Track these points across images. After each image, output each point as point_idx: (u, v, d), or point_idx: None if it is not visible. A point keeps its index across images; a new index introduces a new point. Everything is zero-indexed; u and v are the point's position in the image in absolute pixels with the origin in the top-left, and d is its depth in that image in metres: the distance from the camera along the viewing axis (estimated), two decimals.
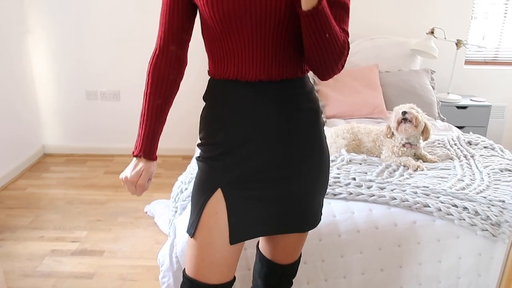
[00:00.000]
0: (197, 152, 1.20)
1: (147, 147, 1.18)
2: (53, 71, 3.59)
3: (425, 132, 2.18)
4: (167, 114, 1.21)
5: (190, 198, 1.59)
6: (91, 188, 3.17)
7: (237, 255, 1.22)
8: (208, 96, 1.20)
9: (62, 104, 3.67)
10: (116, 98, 3.67)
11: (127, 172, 1.19)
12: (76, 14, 3.45)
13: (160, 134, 1.20)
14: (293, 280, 1.66)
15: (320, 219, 1.31)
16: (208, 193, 1.15)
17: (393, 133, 2.20)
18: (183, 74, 1.22)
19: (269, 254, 1.37)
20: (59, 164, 3.60)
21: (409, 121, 2.12)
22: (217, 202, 1.14)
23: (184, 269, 1.24)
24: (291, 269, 1.39)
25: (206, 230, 1.15)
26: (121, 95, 3.67)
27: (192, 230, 1.18)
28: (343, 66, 1.13)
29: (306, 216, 1.24)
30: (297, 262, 1.40)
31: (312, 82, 3.00)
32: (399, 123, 2.14)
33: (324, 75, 1.13)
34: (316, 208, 1.27)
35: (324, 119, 2.93)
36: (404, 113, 2.12)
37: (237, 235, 1.16)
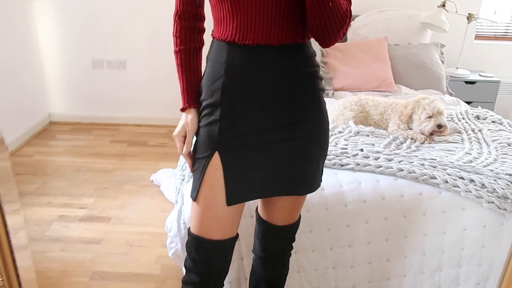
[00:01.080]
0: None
1: (190, 98, 1.23)
2: (59, 39, 3.56)
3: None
4: (200, 66, 1.26)
5: None
6: (97, 156, 3.19)
7: (239, 212, 1.26)
8: (209, 57, 1.22)
9: (68, 73, 3.66)
10: (122, 67, 3.65)
11: (175, 130, 1.24)
12: None
13: (198, 85, 1.24)
14: (298, 248, 1.69)
15: (319, 185, 1.33)
16: (207, 155, 1.17)
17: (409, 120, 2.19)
18: (204, 28, 1.26)
19: (265, 215, 1.39)
20: (65, 132, 3.61)
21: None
22: (216, 162, 1.17)
23: (189, 228, 1.28)
24: (287, 231, 1.40)
25: (208, 187, 1.18)
26: (127, 64, 3.64)
27: (195, 193, 1.21)
28: (344, 34, 1.14)
29: (303, 179, 1.26)
30: (294, 225, 1.41)
31: (321, 54, 2.98)
32: (431, 132, 2.10)
33: (326, 42, 1.14)
34: (314, 172, 1.28)
35: (332, 92, 2.91)
36: (439, 126, 2.09)
37: (233, 197, 1.19)
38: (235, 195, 1.19)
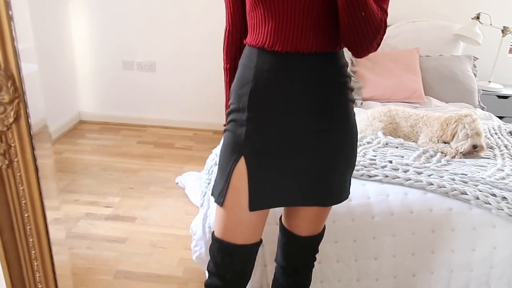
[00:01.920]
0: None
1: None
2: (91, 40, 3.64)
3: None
4: None
5: None
6: (124, 157, 3.24)
7: (263, 218, 1.26)
8: (240, 62, 1.22)
9: (99, 73, 3.73)
10: (152, 70, 3.70)
11: None
12: None
13: None
14: (323, 258, 1.68)
15: (347, 197, 1.30)
16: (234, 160, 1.17)
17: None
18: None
19: (288, 225, 1.37)
20: (94, 131, 3.68)
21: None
22: (242, 167, 1.17)
23: (213, 232, 1.28)
24: (310, 242, 1.38)
25: (234, 191, 1.18)
26: (157, 66, 3.69)
27: (221, 198, 1.21)
28: (378, 45, 1.11)
29: (328, 190, 1.24)
30: (318, 237, 1.38)
31: (350, 63, 2.97)
32: (467, 151, 2.06)
33: (359, 53, 1.12)
34: (341, 184, 1.26)
35: (361, 101, 2.89)
36: (475, 146, 2.05)
37: (256, 203, 1.19)
38: (258, 201, 1.19)
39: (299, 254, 1.42)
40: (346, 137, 1.22)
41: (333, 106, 1.17)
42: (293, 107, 1.14)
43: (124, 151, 3.34)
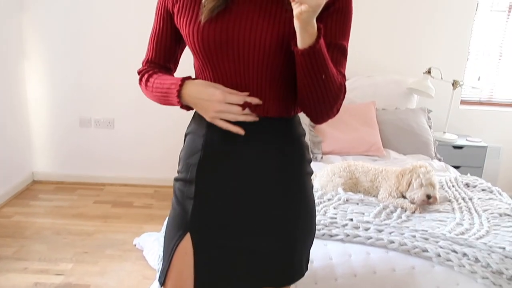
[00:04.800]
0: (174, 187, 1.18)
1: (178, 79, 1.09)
2: (47, 97, 3.55)
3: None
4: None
5: None
6: (79, 218, 3.09)
7: None
8: (188, 130, 1.16)
9: (55, 131, 3.62)
10: (110, 126, 3.62)
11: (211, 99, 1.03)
12: (72, 41, 3.44)
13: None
14: None
15: (303, 274, 1.21)
16: (178, 236, 1.09)
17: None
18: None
19: None
20: (48, 191, 3.52)
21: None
22: (187, 245, 1.08)
23: None
24: None
25: (177, 272, 1.09)
26: (116, 123, 3.63)
27: (163, 277, 1.12)
28: (338, 110, 1.07)
29: (285, 270, 1.15)
30: None
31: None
32: (421, 201, 2.07)
33: (318, 119, 1.08)
34: (298, 262, 1.17)
35: (321, 155, 2.90)
36: (428, 197, 2.07)
37: (203, 286, 1.09)
38: (206, 283, 1.09)
39: None
40: (303, 213, 1.14)
41: (289, 181, 1.10)
42: (245, 181, 1.07)
43: (80, 212, 3.19)
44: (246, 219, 1.08)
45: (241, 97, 1.01)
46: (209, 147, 1.08)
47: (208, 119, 1.04)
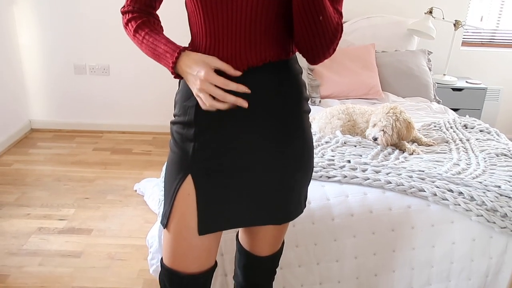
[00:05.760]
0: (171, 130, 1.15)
1: (177, 45, 1.05)
2: (39, 44, 3.47)
3: (406, 135, 2.11)
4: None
5: None
6: (79, 165, 3.11)
7: (217, 241, 1.17)
8: None
9: (49, 79, 3.57)
10: (106, 73, 3.57)
11: (198, 75, 1.01)
12: None
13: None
14: (284, 264, 1.64)
15: (302, 211, 1.23)
16: (179, 179, 1.08)
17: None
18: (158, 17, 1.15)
19: (247, 245, 1.30)
20: (47, 140, 3.52)
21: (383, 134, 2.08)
22: (189, 187, 1.08)
23: (161, 258, 1.18)
24: (271, 261, 1.32)
25: (180, 215, 1.10)
26: (111, 69, 3.57)
27: (165, 220, 1.12)
28: (334, 50, 1.04)
29: (285, 207, 1.17)
30: (278, 253, 1.33)
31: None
32: (375, 140, 2.09)
33: (315, 59, 1.05)
34: (297, 199, 1.19)
35: (319, 99, 2.87)
36: (375, 139, 2.07)
37: (206, 226, 1.10)
38: (209, 223, 1.10)
39: (260, 273, 1.36)
40: (302, 152, 1.14)
41: (288, 118, 1.10)
42: (244, 122, 1.06)
43: (79, 159, 3.20)
44: (246, 158, 1.08)
45: (225, 81, 0.99)
46: None
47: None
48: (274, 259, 1.33)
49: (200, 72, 0.99)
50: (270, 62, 1.05)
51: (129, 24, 1.11)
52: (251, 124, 1.07)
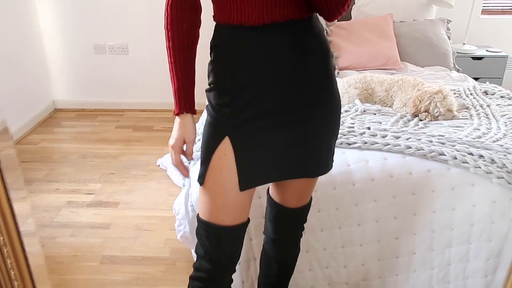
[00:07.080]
0: (206, 99, 1.19)
1: (186, 101, 1.17)
2: (60, 25, 3.53)
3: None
4: (195, 63, 1.19)
5: None
6: (103, 142, 3.19)
7: (249, 197, 1.23)
8: (215, 42, 1.16)
9: (70, 59, 3.64)
10: (125, 52, 3.62)
11: (171, 139, 1.19)
12: None
13: (194, 85, 1.19)
14: (307, 228, 1.68)
15: (332, 166, 1.30)
16: (216, 141, 1.14)
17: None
18: (200, 21, 1.19)
19: (277, 198, 1.37)
20: (70, 119, 3.61)
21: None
22: (226, 148, 1.14)
23: (198, 214, 1.25)
24: (300, 213, 1.39)
25: (217, 172, 1.16)
26: (129, 48, 3.62)
27: (202, 178, 1.18)
28: (348, 6, 1.07)
29: (316, 161, 1.23)
30: (307, 207, 1.39)
31: (325, 33, 2.94)
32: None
33: (331, 16, 1.09)
34: (327, 154, 1.25)
35: (337, 71, 2.88)
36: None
37: (246, 183, 1.16)
38: (248, 180, 1.17)
39: (289, 225, 1.42)
40: (331, 106, 1.20)
41: (316, 75, 1.14)
42: (276, 81, 1.11)
43: (103, 136, 3.28)
44: (279, 116, 1.14)
45: (176, 161, 1.19)
46: (238, 55, 1.11)
47: None
48: (302, 212, 1.39)
49: (173, 139, 1.18)
50: (292, 19, 1.08)
51: (168, 30, 1.17)
52: (282, 82, 1.11)
